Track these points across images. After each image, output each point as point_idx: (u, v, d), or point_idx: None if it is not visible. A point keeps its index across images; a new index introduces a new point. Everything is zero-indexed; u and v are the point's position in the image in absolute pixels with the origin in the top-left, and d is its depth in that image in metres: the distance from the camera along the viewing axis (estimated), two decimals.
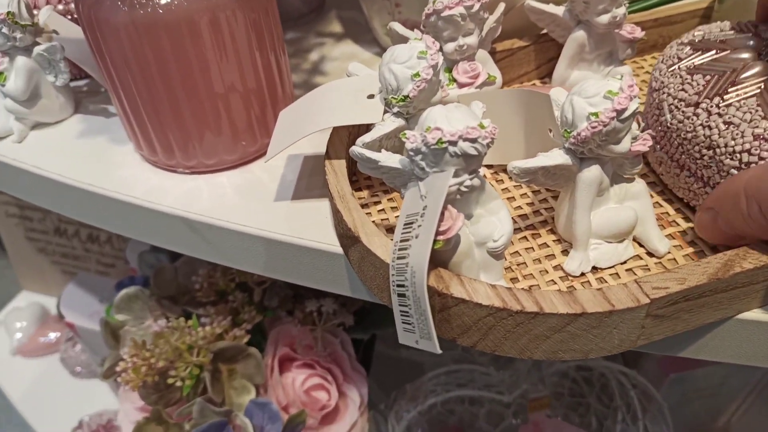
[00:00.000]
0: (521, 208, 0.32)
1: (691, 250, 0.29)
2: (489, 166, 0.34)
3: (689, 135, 0.28)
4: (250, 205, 0.34)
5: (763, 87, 0.27)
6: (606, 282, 0.28)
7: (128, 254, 0.70)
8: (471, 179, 0.24)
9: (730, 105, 0.27)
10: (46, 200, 0.40)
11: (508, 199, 0.32)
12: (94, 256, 0.82)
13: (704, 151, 0.28)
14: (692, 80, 0.29)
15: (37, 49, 0.38)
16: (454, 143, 0.23)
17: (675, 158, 0.30)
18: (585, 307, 0.24)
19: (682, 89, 0.29)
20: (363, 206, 0.32)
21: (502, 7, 0.35)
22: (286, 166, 0.36)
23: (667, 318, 0.25)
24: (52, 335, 0.83)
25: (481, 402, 0.60)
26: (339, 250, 0.31)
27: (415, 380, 0.56)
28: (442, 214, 0.24)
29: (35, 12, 0.40)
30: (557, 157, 0.26)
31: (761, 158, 0.26)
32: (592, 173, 0.27)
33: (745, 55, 0.29)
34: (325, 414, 0.47)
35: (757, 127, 0.26)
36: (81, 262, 0.83)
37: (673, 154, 0.30)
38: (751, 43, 0.29)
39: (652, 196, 0.31)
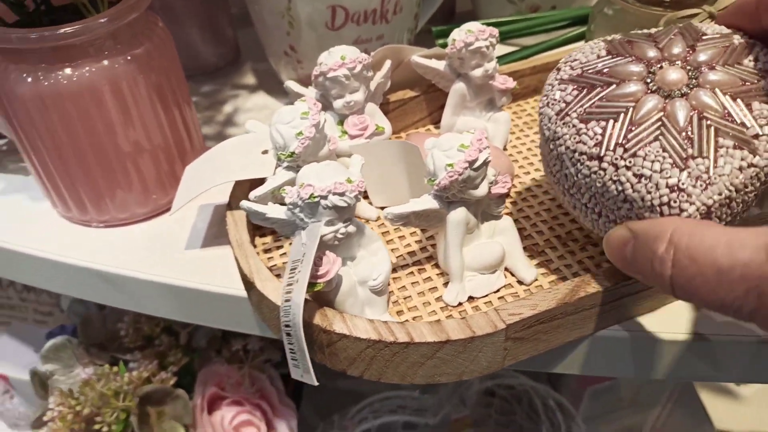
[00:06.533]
0: (410, 245, 0.35)
1: (556, 276, 0.32)
2: (383, 208, 0.37)
3: (600, 189, 0.26)
4: (161, 255, 0.36)
5: (662, 126, 0.25)
6: (480, 309, 0.31)
7: (63, 302, 0.71)
8: (346, 227, 0.28)
9: (635, 155, 0.25)
10: None
11: (399, 237, 0.36)
12: (31, 305, 0.81)
13: (620, 204, 0.26)
14: (587, 129, 0.26)
15: None
16: (324, 197, 0.26)
17: (590, 207, 0.28)
18: (450, 335, 0.27)
19: (580, 141, 0.26)
20: (267, 250, 0.35)
21: (388, 64, 0.39)
22: (197, 216, 0.39)
23: (527, 340, 0.28)
24: None
25: (415, 426, 0.63)
26: (244, 293, 0.33)
27: (342, 411, 0.58)
28: (321, 258, 0.27)
29: None
30: (426, 202, 0.30)
31: (682, 209, 0.25)
32: (459, 215, 0.30)
33: (633, 88, 0.26)
34: None
35: (670, 177, 0.24)
36: (18, 312, 0.82)
37: (587, 202, 0.28)
38: (634, 69, 0.27)
39: (525, 229, 0.35)
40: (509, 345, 0.28)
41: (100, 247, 0.37)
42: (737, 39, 0.27)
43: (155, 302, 0.36)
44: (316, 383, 0.26)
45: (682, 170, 0.24)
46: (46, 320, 0.82)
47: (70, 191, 0.36)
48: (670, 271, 0.22)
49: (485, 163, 0.28)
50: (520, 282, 0.32)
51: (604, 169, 0.26)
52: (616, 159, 0.25)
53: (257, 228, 0.36)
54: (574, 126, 0.27)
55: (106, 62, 0.33)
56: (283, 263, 0.34)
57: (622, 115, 0.26)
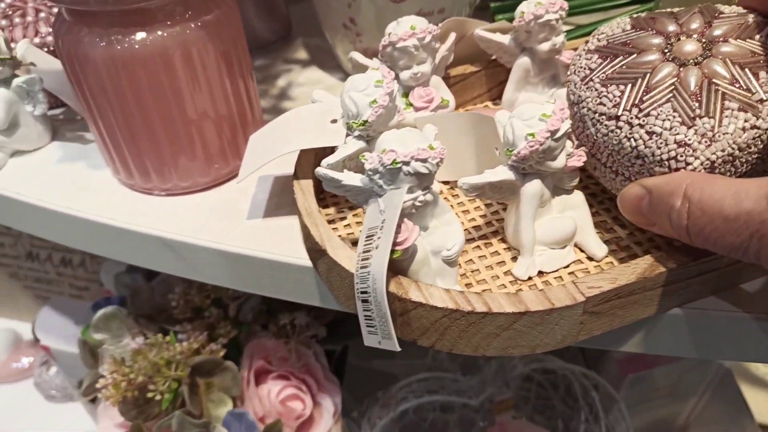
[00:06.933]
0: (475, 220, 0.35)
1: (625, 254, 0.32)
2: (446, 182, 0.37)
3: (617, 147, 0.29)
4: (223, 224, 0.36)
5: (674, 90, 0.28)
6: (550, 284, 0.31)
7: (103, 276, 0.71)
8: (424, 195, 0.27)
9: (648, 114, 0.27)
10: (27, 225, 0.42)
11: (463, 212, 0.35)
12: (67, 279, 0.82)
13: (633, 160, 0.29)
14: (607, 92, 0.29)
15: (16, 81, 0.40)
16: (407, 163, 0.26)
17: (608, 166, 0.30)
18: (528, 306, 0.26)
19: (600, 103, 0.29)
20: (330, 222, 0.35)
21: (453, 36, 0.38)
22: (257, 187, 0.39)
23: (603, 314, 0.28)
24: (25, 360, 0.83)
25: (452, 408, 0.63)
26: (308, 263, 0.33)
27: (386, 388, 0.58)
28: (399, 226, 0.27)
29: (13, 46, 0.42)
30: (502, 173, 0.29)
31: (687, 163, 0.27)
32: (534, 187, 0.30)
33: (651, 57, 0.29)
34: (301, 423, 0.49)
35: (678, 134, 0.27)
36: (54, 286, 0.83)
37: (605, 162, 0.30)
38: (654, 41, 0.29)
39: (592, 206, 0.34)
40: (585, 319, 0.28)
41: (161, 214, 0.37)
42: (751, 18, 0.29)
43: (216, 270, 0.36)
44: (398, 349, 0.26)
45: (689, 128, 0.27)
46: (82, 295, 0.83)
47: (134, 158, 0.36)
48: (686, 222, 0.25)
49: (566, 134, 0.28)
50: (589, 258, 0.32)
51: (620, 128, 0.28)
52: (631, 118, 0.28)
53: (320, 199, 0.36)
54: (596, 89, 0.29)
55: (177, 28, 0.33)
56: (348, 234, 0.34)
57: (639, 79, 0.28)
